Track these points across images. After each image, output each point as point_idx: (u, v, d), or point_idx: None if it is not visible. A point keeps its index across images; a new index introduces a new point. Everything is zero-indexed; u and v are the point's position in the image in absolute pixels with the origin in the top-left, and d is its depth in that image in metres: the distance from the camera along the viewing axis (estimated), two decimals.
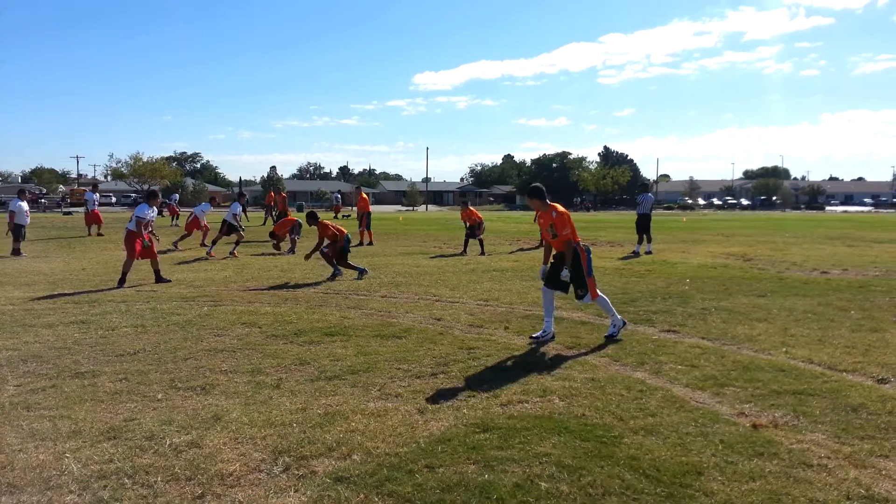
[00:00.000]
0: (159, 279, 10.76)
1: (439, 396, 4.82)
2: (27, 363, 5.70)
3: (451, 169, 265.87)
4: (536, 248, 18.50)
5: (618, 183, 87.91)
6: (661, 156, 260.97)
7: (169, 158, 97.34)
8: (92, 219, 22.58)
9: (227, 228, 16.10)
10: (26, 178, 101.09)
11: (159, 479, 3.42)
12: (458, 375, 5.36)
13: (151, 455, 3.71)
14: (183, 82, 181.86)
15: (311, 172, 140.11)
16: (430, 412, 4.47)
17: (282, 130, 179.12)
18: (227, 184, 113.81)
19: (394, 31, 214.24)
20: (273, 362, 5.78)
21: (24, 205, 16.16)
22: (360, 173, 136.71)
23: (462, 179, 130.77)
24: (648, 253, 15.91)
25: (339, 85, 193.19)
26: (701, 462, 3.63)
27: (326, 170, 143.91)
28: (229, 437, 4.00)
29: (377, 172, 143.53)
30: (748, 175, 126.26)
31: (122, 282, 10.40)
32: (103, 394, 4.84)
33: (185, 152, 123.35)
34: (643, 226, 16.50)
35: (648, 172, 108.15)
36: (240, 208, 16.95)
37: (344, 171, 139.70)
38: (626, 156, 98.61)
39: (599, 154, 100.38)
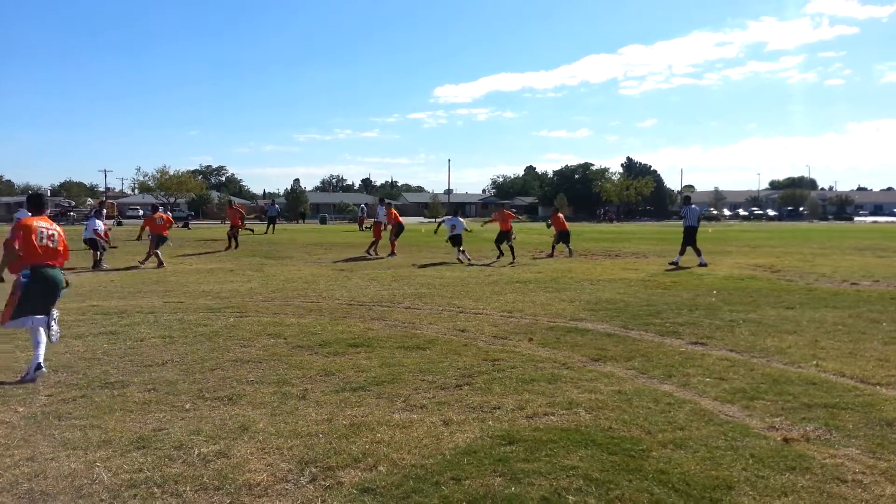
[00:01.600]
0: None
1: (464, 408, 4.81)
2: (58, 373, 5.80)
3: (472, 180, 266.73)
4: (549, 256, 18.57)
5: (641, 194, 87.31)
6: (685, 166, 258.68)
7: (195, 172, 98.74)
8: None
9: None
10: (55, 191, 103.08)
11: (188, 488, 3.46)
12: (483, 387, 5.34)
13: (180, 465, 3.75)
14: (208, 97, 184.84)
15: (334, 185, 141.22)
16: (456, 424, 4.46)
17: (304, 144, 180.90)
18: (251, 196, 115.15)
19: (414, 44, 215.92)
20: (298, 373, 5.81)
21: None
22: (383, 185, 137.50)
23: (484, 191, 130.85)
24: (703, 265, 15.22)
25: (360, 98, 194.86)
26: (731, 476, 3.57)
27: (349, 182, 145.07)
28: (256, 447, 4.02)
29: (399, 184, 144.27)
30: (774, 185, 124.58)
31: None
32: (132, 404, 4.90)
33: (210, 166, 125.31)
34: (689, 238, 16.15)
35: (672, 183, 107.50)
36: (97, 223, 16.56)
37: (366, 184, 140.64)
38: (650, 167, 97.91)
39: (622, 165, 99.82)
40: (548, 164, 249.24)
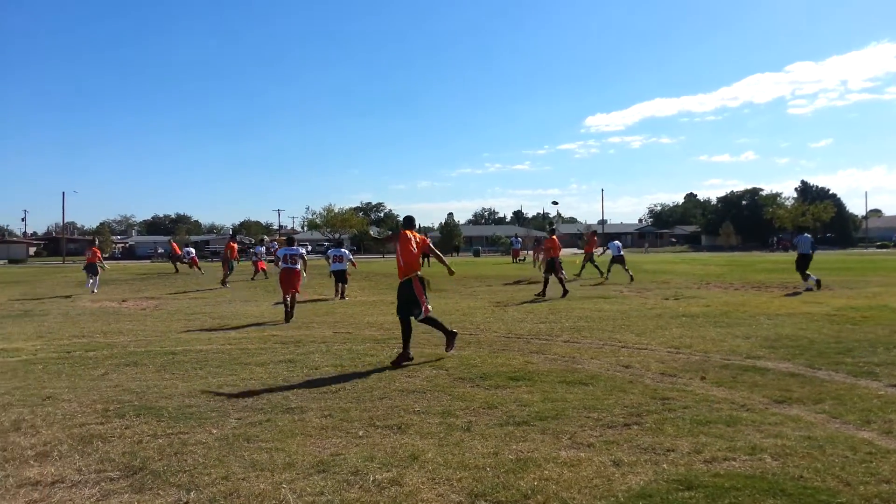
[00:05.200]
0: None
1: (635, 448, 4.60)
2: (245, 398, 6.31)
3: (627, 210, 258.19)
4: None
5: (819, 220, 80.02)
6: (869, 188, 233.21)
7: (356, 209, 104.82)
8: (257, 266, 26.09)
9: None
10: (236, 229, 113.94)
11: None
12: (654, 427, 5.08)
13: (357, 490, 3.91)
14: (369, 139, 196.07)
15: (486, 217, 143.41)
16: (627, 465, 4.27)
17: (456, 179, 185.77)
18: None
19: (563, 77, 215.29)
20: (462, 405, 5.88)
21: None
22: (535, 217, 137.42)
23: (640, 220, 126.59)
24: (808, 290, 16.24)
25: (509, 133, 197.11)
26: None
27: (500, 214, 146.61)
28: (427, 476, 4.10)
29: (551, 216, 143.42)
30: None
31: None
32: (312, 428, 5.21)
33: (370, 202, 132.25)
34: (803, 264, 17.33)
35: (855, 207, 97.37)
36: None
37: (518, 216, 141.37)
38: (828, 190, 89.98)
39: (796, 189, 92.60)
40: (710, 191, 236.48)
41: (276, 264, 16.29)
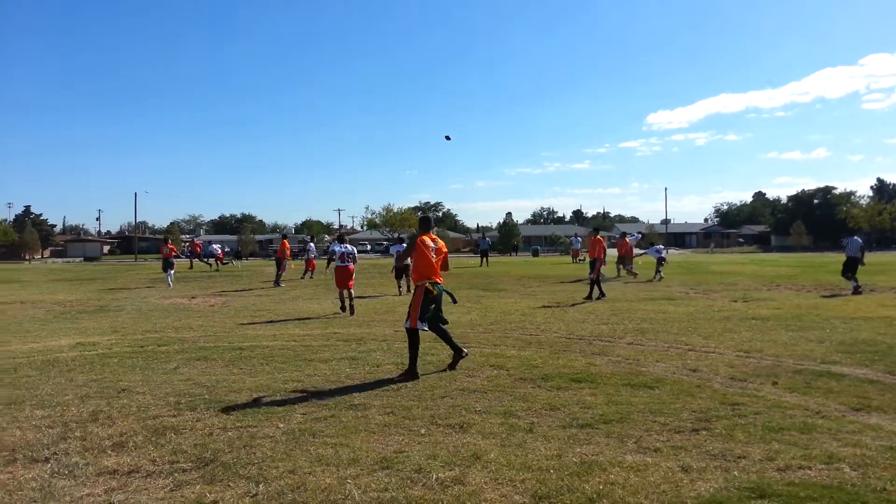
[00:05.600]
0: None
1: (704, 455, 4.46)
2: (310, 394, 6.44)
3: (691, 209, 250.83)
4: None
5: None
6: None
7: (414, 208, 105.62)
8: (309, 265, 26.23)
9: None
10: (298, 229, 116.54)
11: None
12: (723, 433, 4.93)
13: (421, 488, 3.93)
14: (424, 139, 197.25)
15: (545, 217, 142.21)
16: (696, 471, 4.15)
17: (515, 178, 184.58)
18: (465, 230, 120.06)
19: (624, 74, 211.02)
20: (523, 405, 5.84)
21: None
22: (594, 216, 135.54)
23: (706, 220, 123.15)
24: (856, 293, 15.82)
25: (569, 131, 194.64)
26: None
27: (560, 214, 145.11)
28: (489, 476, 4.09)
29: (612, 215, 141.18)
30: None
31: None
32: (374, 425, 5.27)
33: (428, 202, 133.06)
34: (850, 267, 16.94)
35: None
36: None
37: (577, 215, 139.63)
38: None
39: (872, 187, 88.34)
40: (779, 189, 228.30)
41: (330, 262, 16.59)
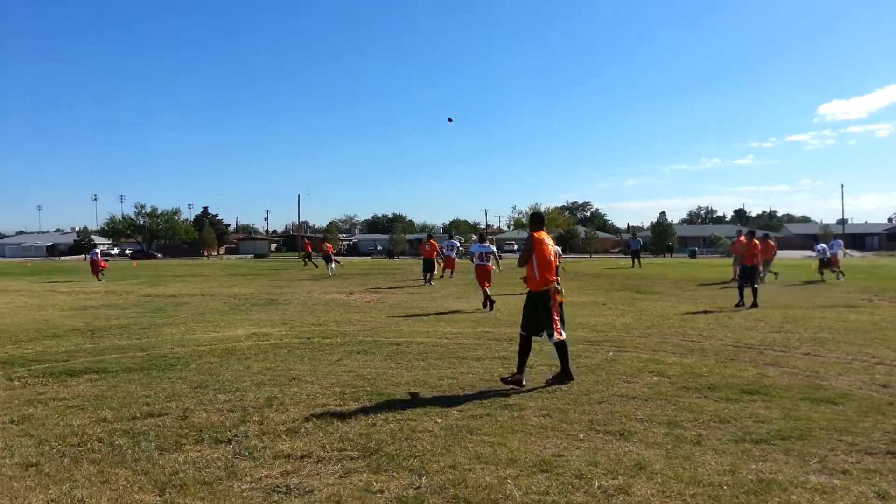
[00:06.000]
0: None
1: None
2: (465, 391, 6.51)
3: (872, 208, 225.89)
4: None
5: None
6: None
7: (562, 208, 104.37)
8: (449, 263, 25.75)
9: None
10: (446, 228, 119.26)
11: None
12: None
13: (583, 494, 3.82)
14: (573, 137, 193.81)
15: (703, 216, 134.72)
16: (894, 499, 3.69)
17: (668, 175, 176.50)
18: (615, 230, 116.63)
19: (791, 61, 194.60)
20: (689, 416, 5.52)
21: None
22: (759, 216, 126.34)
23: (890, 220, 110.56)
24: None
25: (729, 124, 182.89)
26: None
27: (719, 213, 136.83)
28: (656, 489, 3.89)
29: (779, 214, 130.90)
30: None
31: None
32: (531, 427, 5.22)
33: (575, 201, 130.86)
34: None
35: None
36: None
37: (739, 215, 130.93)
38: None
39: None
40: None
41: (472, 260, 16.88)
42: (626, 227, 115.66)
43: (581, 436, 4.99)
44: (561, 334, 6.83)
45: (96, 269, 27.71)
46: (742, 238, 22.63)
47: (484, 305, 14.29)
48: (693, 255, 62.03)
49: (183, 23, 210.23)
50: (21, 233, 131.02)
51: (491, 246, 15.32)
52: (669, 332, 10.49)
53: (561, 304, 7.01)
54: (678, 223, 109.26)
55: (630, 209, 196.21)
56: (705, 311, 13.50)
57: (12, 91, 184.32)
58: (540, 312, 6.89)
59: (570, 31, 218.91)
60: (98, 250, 30.68)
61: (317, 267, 36.48)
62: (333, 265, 29.49)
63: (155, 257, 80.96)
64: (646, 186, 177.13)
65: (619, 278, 25.00)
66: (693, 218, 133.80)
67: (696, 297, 17.25)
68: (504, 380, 6.77)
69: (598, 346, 9.22)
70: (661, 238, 74.46)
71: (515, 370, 6.87)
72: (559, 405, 5.89)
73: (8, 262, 69.31)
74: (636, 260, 36.57)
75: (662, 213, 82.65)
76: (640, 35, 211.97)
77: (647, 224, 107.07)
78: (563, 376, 6.86)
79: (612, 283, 21.94)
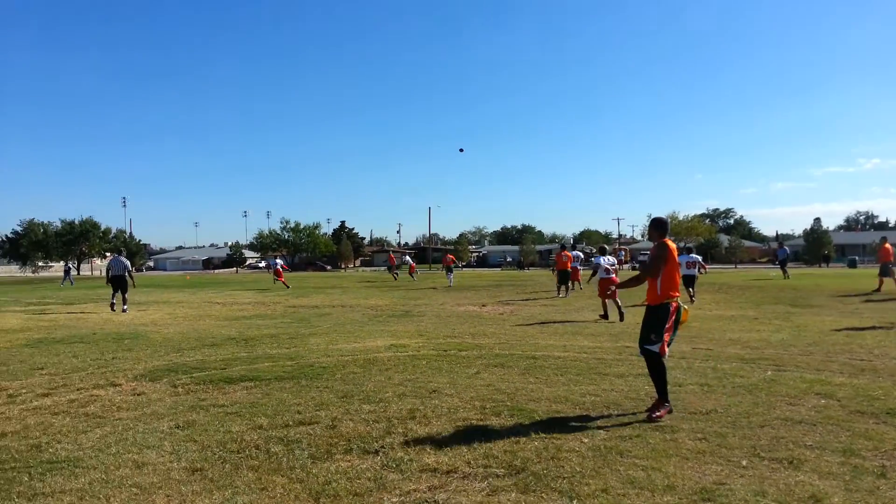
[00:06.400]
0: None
1: None
2: (609, 409, 6.24)
3: None
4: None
5: None
6: None
7: (702, 216, 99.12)
8: (574, 274, 24.93)
9: None
10: (577, 238, 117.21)
11: None
12: None
13: None
14: (712, 141, 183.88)
15: (863, 223, 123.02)
16: None
17: (820, 178, 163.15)
18: (761, 239, 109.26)
19: None
20: (867, 444, 4.95)
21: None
22: None
23: None
24: None
25: (891, 121, 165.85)
26: None
27: (882, 219, 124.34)
28: None
29: None
30: None
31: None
32: (686, 451, 4.89)
33: (717, 209, 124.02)
34: None
35: None
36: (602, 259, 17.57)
37: None
38: None
39: None
40: None
41: (593, 274, 16.44)
42: (773, 234, 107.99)
43: (744, 462, 4.60)
44: (665, 352, 6.03)
45: (278, 275, 32.93)
46: (888, 245, 20.09)
47: (604, 316, 14.68)
48: (853, 264, 56.68)
49: (309, 31, 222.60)
50: (180, 248, 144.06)
51: (613, 258, 16.11)
52: (835, 350, 9.56)
53: (678, 323, 6.21)
54: (834, 230, 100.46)
55: (777, 216, 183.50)
56: (873, 328, 12.21)
57: (173, 123, 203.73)
58: (651, 323, 6.13)
59: (711, 18, 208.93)
60: (279, 260, 35.34)
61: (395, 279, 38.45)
62: (451, 276, 32.02)
63: (325, 269, 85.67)
64: (795, 191, 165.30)
65: (770, 290, 23.29)
66: (851, 224, 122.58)
67: (860, 311, 15.67)
68: (651, 416, 5.86)
69: (753, 364, 8.57)
70: (815, 246, 68.78)
71: (658, 396, 6.10)
72: (716, 428, 5.49)
73: (169, 275, 76.20)
74: (784, 270, 34.01)
75: (817, 220, 76.10)
76: (778, 21, 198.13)
77: (798, 231, 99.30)
78: (660, 405, 5.99)
79: (763, 296, 20.46)
